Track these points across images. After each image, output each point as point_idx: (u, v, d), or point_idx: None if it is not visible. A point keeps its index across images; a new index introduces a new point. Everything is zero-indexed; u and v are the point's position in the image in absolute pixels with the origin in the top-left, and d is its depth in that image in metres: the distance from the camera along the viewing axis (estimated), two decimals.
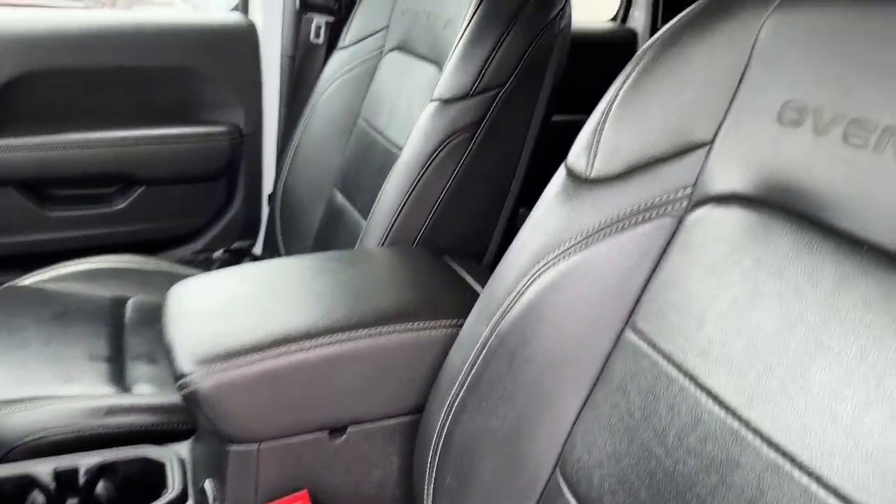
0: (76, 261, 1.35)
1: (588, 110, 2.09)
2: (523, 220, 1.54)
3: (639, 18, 2.00)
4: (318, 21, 1.56)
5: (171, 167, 1.55)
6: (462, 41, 1.10)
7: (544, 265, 0.70)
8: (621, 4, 2.03)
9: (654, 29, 2.01)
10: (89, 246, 1.50)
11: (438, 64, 1.22)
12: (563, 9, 1.11)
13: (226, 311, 0.81)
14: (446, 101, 1.08)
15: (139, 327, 1.24)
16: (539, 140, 1.16)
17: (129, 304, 1.30)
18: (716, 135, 0.63)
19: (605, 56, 2.02)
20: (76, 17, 1.43)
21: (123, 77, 1.49)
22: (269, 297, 0.84)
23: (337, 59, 1.48)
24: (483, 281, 0.97)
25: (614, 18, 2.05)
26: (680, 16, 0.70)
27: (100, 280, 1.36)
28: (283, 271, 0.92)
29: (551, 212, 0.73)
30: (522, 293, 0.71)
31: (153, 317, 1.23)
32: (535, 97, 1.12)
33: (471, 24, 1.10)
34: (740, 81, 0.62)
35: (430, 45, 1.27)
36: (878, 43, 0.52)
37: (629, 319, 0.66)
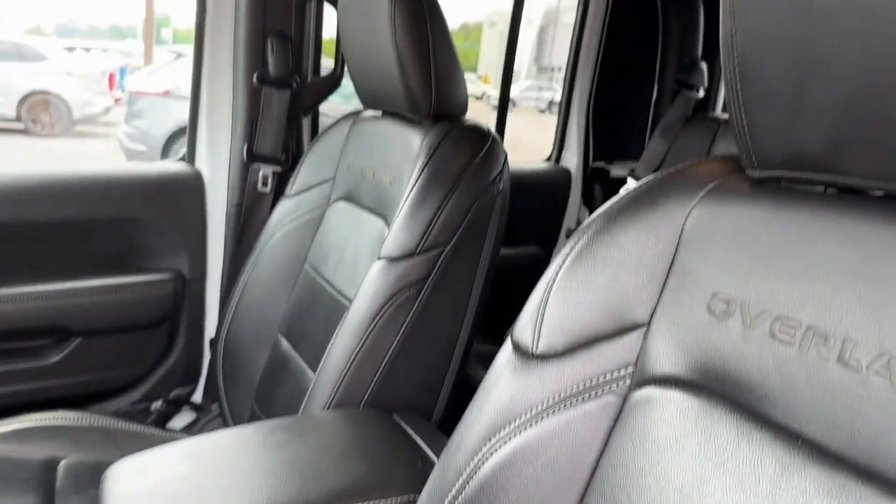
0: (4, 421, 1.28)
1: (530, 243, 2.17)
2: (477, 358, 1.56)
3: (571, 159, 2.13)
4: (265, 171, 1.60)
5: (110, 317, 1.51)
6: (408, 202, 1.14)
7: (496, 442, 0.71)
8: (555, 146, 2.16)
9: (585, 168, 2.14)
10: (20, 402, 1.43)
11: (385, 218, 1.26)
12: (501, 171, 1.18)
13: (165, 498, 0.77)
14: (393, 260, 1.11)
15: (71, 494, 1.17)
16: (484, 291, 1.19)
17: (61, 468, 1.23)
18: (652, 317, 0.67)
19: (543, 193, 2.14)
20: (18, 173, 1.43)
21: (65, 229, 1.47)
22: (211, 479, 0.81)
23: (284, 207, 1.51)
24: (434, 442, 0.97)
25: (549, 159, 2.18)
26: (612, 202, 0.75)
27: (30, 440, 1.29)
28: (225, 447, 0.89)
29: (500, 386, 0.74)
30: (476, 472, 0.71)
31: (86, 480, 1.17)
32: (478, 252, 1.16)
33: (416, 185, 1.15)
34: (670, 268, 0.67)
35: (377, 199, 1.31)
36: (795, 246, 0.57)
37: (583, 500, 0.66)
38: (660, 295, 0.67)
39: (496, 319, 2.02)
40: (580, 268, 0.72)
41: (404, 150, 1.26)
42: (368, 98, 1.41)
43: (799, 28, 0.53)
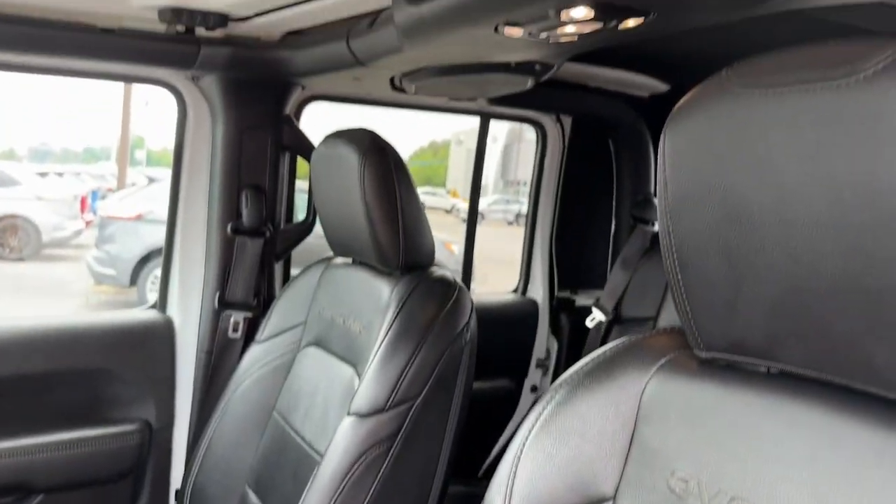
0: None
1: (500, 375, 2.17)
2: (451, 501, 1.52)
3: (537, 290, 2.20)
4: (237, 317, 1.62)
5: (74, 472, 1.47)
6: (378, 355, 1.17)
7: None
8: (521, 278, 2.23)
9: (551, 298, 2.20)
10: None
11: (354, 366, 1.28)
12: (468, 321, 1.22)
13: None
14: (363, 416, 1.12)
15: None
16: (455, 443, 1.20)
17: None
18: (616, 492, 0.69)
19: (512, 324, 2.18)
20: None
21: (30, 383, 1.46)
22: None
23: (254, 353, 1.51)
24: None
25: (515, 290, 2.25)
26: (572, 371, 0.78)
27: None
28: None
29: None
30: None
31: None
32: (448, 405, 1.18)
33: (386, 338, 1.17)
34: (631, 442, 0.69)
35: (347, 347, 1.33)
36: (743, 428, 0.61)
37: None
38: (623, 469, 0.69)
39: (469, 456, 2.00)
40: (546, 439, 0.74)
41: (374, 299, 1.30)
42: (339, 247, 1.46)
43: (727, 231, 0.59)
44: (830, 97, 0.50)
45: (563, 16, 0.84)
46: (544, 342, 2.19)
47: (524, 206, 2.29)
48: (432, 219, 1.36)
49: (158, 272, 1.70)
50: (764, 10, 0.84)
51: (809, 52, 0.53)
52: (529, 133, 2.19)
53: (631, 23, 0.87)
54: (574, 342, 2.16)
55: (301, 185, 1.80)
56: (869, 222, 0.49)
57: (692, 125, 0.59)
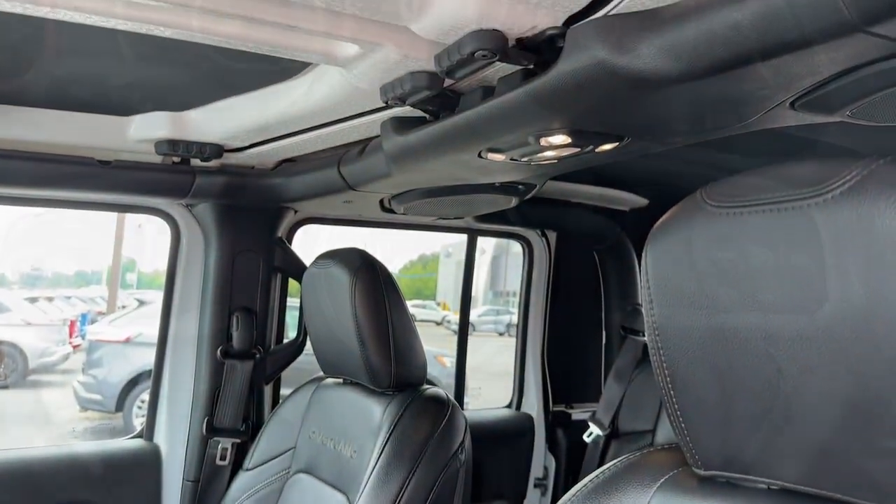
0: None
1: (498, 498, 2.10)
2: None
3: (532, 405, 2.16)
4: (225, 444, 1.58)
5: None
6: (370, 482, 1.13)
7: None
8: (514, 392, 2.20)
9: (546, 413, 2.15)
10: None
11: (346, 493, 1.24)
12: (462, 441, 1.19)
13: None
14: None
15: None
16: None
17: None
18: None
19: (507, 441, 2.12)
20: None
21: None
22: None
23: (242, 481, 1.47)
24: None
25: (509, 405, 2.20)
26: (571, 493, 0.76)
27: None
28: None
29: None
30: None
31: None
32: None
33: (378, 462, 1.15)
34: None
35: (338, 472, 1.29)
36: None
37: None
38: None
39: None
40: None
41: (365, 420, 1.27)
42: (330, 367, 1.45)
43: (714, 347, 0.59)
44: (800, 216, 0.52)
45: (543, 142, 0.89)
46: (542, 460, 2.13)
47: (514, 317, 2.29)
48: (423, 331, 1.37)
49: (145, 396, 1.68)
50: (729, 132, 0.88)
51: (779, 173, 0.56)
52: (516, 246, 2.23)
53: (606, 147, 0.92)
54: (572, 459, 2.10)
55: (293, 301, 1.81)
56: (849, 337, 0.49)
57: (671, 244, 0.61)
